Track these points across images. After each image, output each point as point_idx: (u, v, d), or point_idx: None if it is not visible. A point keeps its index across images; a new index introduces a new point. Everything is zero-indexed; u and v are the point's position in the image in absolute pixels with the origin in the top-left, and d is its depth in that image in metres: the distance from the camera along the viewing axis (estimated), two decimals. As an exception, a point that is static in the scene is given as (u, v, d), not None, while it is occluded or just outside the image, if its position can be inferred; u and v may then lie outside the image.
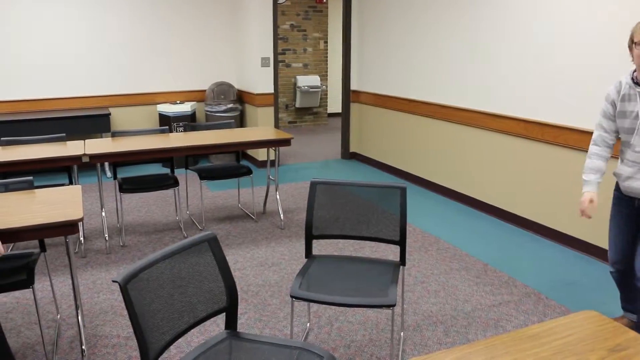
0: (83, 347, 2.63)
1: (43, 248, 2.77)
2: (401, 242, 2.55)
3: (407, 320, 2.98)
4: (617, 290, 3.32)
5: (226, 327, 1.99)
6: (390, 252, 3.89)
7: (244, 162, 6.80)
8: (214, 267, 1.92)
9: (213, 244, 1.92)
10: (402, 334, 2.83)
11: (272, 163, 5.95)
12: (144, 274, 1.66)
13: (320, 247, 3.99)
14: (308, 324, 2.95)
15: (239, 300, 2.96)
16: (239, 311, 3.09)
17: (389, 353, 2.67)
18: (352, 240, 4.12)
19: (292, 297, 2.29)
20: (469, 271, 3.60)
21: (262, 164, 6.49)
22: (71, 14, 6.04)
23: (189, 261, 1.84)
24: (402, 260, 2.57)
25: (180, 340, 2.78)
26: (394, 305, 2.20)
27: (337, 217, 2.63)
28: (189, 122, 6.34)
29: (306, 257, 2.65)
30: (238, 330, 2.09)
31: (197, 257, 1.87)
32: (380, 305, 2.21)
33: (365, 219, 2.62)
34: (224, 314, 1.98)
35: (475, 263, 3.72)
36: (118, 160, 3.86)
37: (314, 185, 2.62)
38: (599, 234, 3.76)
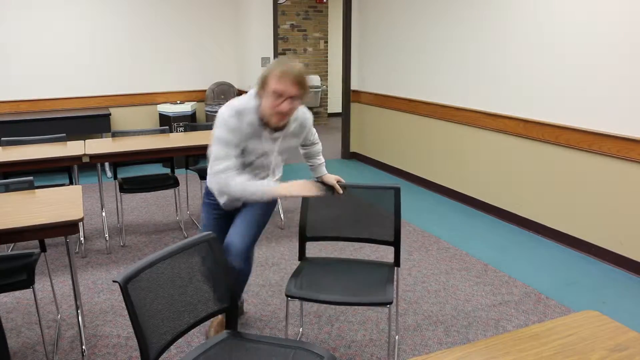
0: (83, 347, 2.63)
1: (43, 248, 2.78)
2: (395, 243, 2.53)
3: (408, 320, 2.98)
4: (617, 291, 3.33)
5: (226, 327, 1.99)
6: (391, 254, 3.88)
7: (244, 162, 6.79)
8: (214, 267, 1.92)
9: (213, 244, 1.92)
10: (396, 337, 2.82)
11: (272, 163, 5.94)
12: (144, 274, 1.66)
13: (321, 249, 3.99)
14: (308, 324, 2.95)
15: (239, 300, 2.96)
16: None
17: (389, 353, 2.67)
18: (351, 243, 4.11)
19: (287, 296, 2.26)
20: (469, 271, 3.60)
21: (262, 164, 6.48)
22: (71, 14, 6.04)
23: (189, 261, 1.84)
24: (397, 262, 2.56)
25: (180, 340, 2.78)
26: (390, 303, 2.18)
27: (332, 219, 2.61)
28: (189, 122, 6.34)
29: (299, 259, 2.61)
30: (238, 330, 2.09)
31: (197, 257, 1.87)
32: (377, 303, 2.19)
33: (359, 220, 2.59)
34: (224, 314, 1.98)
35: (475, 263, 3.72)
36: (118, 160, 3.86)
37: None
38: (599, 234, 3.76)
